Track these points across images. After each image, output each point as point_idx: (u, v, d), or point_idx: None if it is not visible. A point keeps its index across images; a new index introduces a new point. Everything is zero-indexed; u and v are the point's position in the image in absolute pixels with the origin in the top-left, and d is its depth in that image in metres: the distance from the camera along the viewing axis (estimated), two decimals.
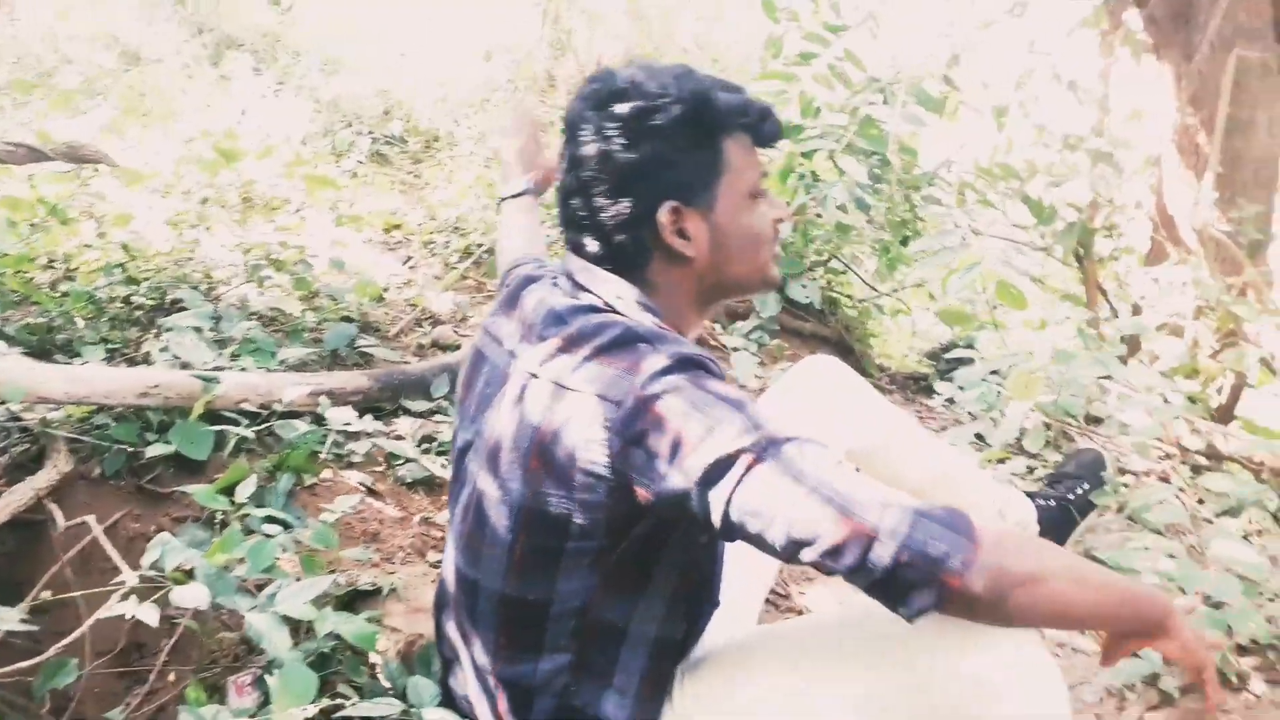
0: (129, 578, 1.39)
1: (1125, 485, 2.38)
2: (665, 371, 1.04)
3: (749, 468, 0.99)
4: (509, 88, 4.47)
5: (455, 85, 4.36)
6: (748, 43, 4.17)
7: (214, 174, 2.71)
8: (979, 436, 2.58)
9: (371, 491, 2.24)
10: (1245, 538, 2.26)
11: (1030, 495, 2.14)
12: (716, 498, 1.00)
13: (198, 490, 1.59)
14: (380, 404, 2.53)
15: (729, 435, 0.99)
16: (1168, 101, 2.65)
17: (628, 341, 1.09)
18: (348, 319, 2.73)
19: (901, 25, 2.91)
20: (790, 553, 1.00)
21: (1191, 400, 2.78)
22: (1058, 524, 2.11)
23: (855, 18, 2.88)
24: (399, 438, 2.37)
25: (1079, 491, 2.18)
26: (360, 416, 2.36)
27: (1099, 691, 1.90)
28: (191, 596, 1.40)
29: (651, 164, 1.15)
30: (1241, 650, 1.93)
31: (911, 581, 0.96)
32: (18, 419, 1.94)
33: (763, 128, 1.24)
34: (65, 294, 2.34)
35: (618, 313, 1.17)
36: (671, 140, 1.16)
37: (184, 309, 2.51)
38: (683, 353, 1.06)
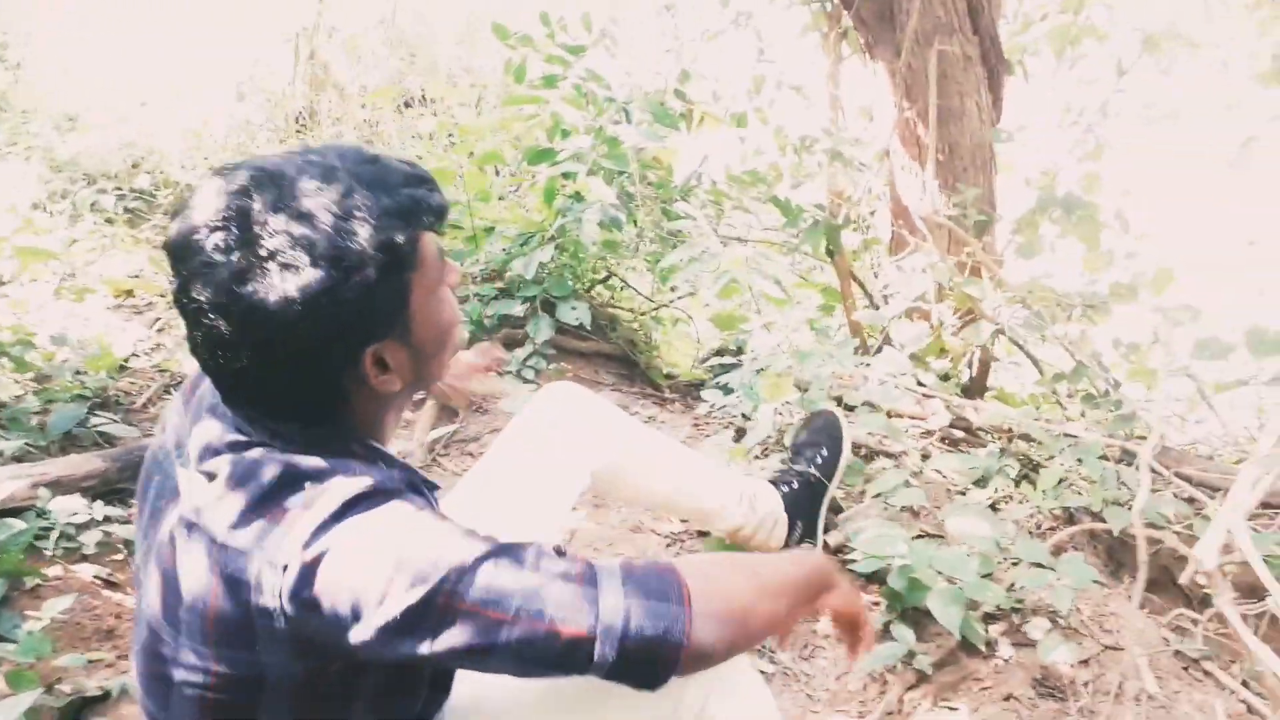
0: None
1: (883, 469, 2.47)
2: (333, 519, 0.93)
3: (442, 613, 0.91)
4: (266, 127, 4.30)
5: (208, 131, 4.16)
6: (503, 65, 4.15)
7: None
8: (737, 437, 2.62)
9: (109, 583, 2.08)
10: (993, 506, 2.39)
11: (775, 481, 2.17)
12: (414, 650, 0.93)
13: None
14: (123, 485, 2.36)
15: (407, 584, 0.91)
16: (887, 97, 2.77)
17: (287, 484, 0.96)
18: (82, 397, 2.54)
19: (635, 42, 2.94)
20: (521, 672, 0.97)
21: (944, 378, 2.93)
22: (803, 503, 2.14)
23: (589, 38, 2.89)
24: None
25: (818, 461, 2.21)
26: (94, 502, 2.20)
27: (862, 679, 1.96)
28: None
29: (346, 325, 0.97)
30: (989, 619, 2.03)
31: (642, 664, 0.96)
32: None
33: (437, 219, 1.05)
34: None
35: (275, 446, 1.01)
36: (363, 297, 0.97)
37: None
38: (349, 492, 0.95)
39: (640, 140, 2.72)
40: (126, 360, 2.84)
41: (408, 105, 4.84)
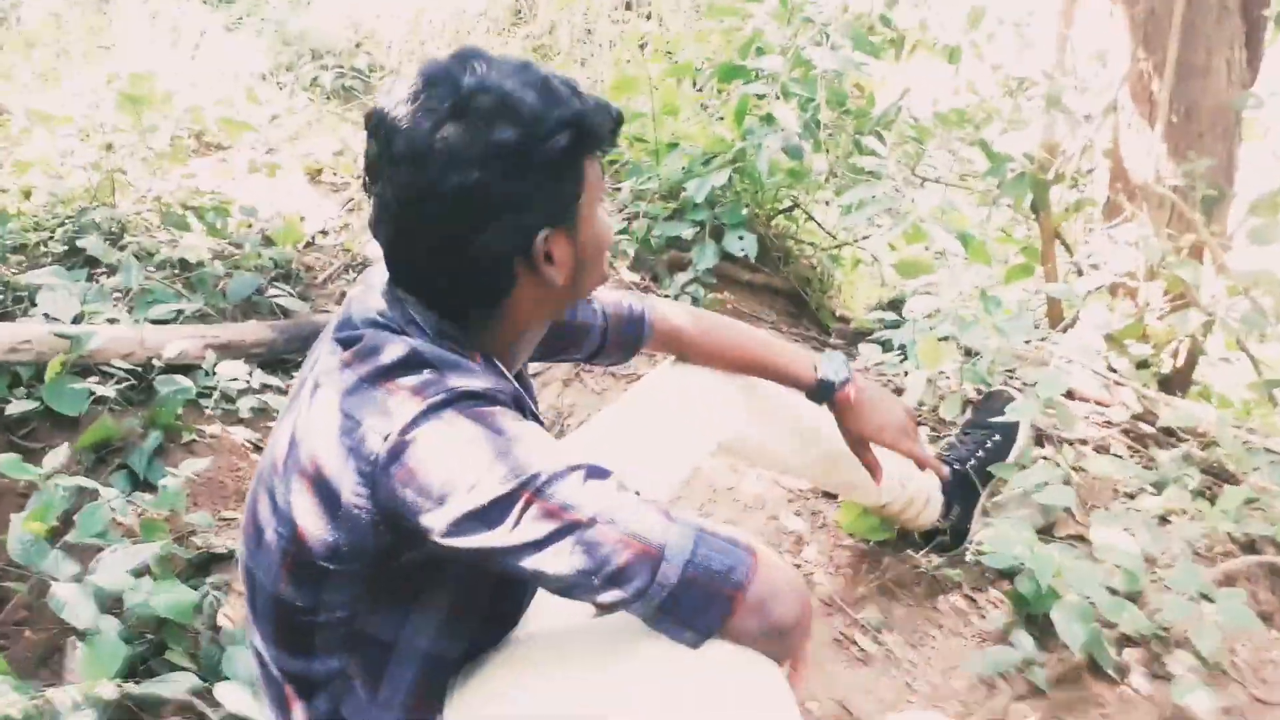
0: None
1: (1045, 458, 2.27)
2: (440, 406, 0.98)
3: (525, 506, 0.95)
4: (486, 17, 4.34)
5: (426, 17, 4.24)
6: None
7: (136, 117, 2.66)
8: None
9: (259, 448, 2.22)
10: (1163, 519, 2.15)
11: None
12: (489, 540, 0.96)
13: (5, 460, 1.56)
14: (288, 356, 2.49)
15: (500, 476, 0.95)
16: (1123, 44, 2.45)
17: (408, 367, 1.02)
18: (264, 268, 2.68)
19: None
20: (575, 585, 0.98)
21: (1142, 365, 2.64)
22: (963, 486, 2.01)
23: None
24: None
25: (988, 445, 2.07)
26: (257, 370, 2.34)
27: (969, 679, 1.83)
28: None
29: (531, 194, 1.04)
30: (1127, 642, 1.84)
31: (697, 600, 0.97)
32: None
33: (613, 137, 1.13)
34: None
35: (409, 335, 1.08)
36: (552, 168, 1.05)
37: (91, 259, 2.49)
38: (461, 386, 1.00)
39: (834, 65, 2.53)
40: (314, 237, 2.98)
41: (628, 7, 4.76)
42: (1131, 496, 2.22)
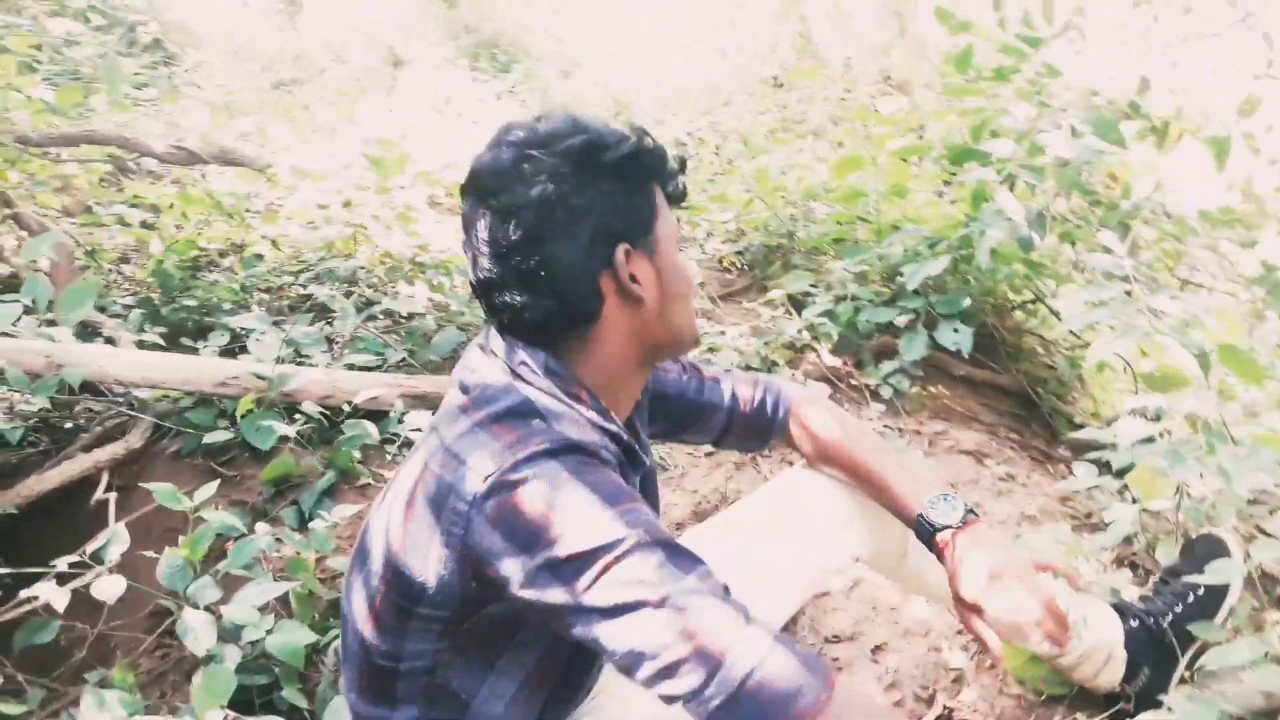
0: (60, 563, 1.52)
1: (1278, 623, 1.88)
2: (543, 455, 0.99)
3: (601, 570, 0.94)
4: (741, 90, 4.36)
5: (684, 89, 4.32)
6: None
7: (386, 178, 2.89)
8: (1088, 531, 2.16)
9: None
10: None
11: (1122, 609, 1.74)
12: (559, 597, 0.95)
13: (159, 489, 1.70)
14: None
15: (584, 535, 0.95)
16: None
17: (519, 414, 1.06)
18: (473, 324, 2.80)
19: (1107, 36, 2.47)
20: (631, 665, 0.95)
21: None
22: (1155, 646, 1.70)
23: (1049, 29, 2.50)
24: None
25: (1189, 599, 1.74)
26: None
27: None
28: (105, 589, 1.51)
29: (605, 203, 1.08)
30: None
31: (753, 716, 0.90)
32: (122, 397, 2.19)
33: (678, 180, 1.19)
34: (215, 283, 2.60)
35: (522, 380, 1.11)
36: (620, 179, 1.09)
37: (320, 304, 2.71)
38: (569, 438, 1.02)
39: (1070, 153, 2.30)
40: None
41: (887, 79, 4.63)
42: None
